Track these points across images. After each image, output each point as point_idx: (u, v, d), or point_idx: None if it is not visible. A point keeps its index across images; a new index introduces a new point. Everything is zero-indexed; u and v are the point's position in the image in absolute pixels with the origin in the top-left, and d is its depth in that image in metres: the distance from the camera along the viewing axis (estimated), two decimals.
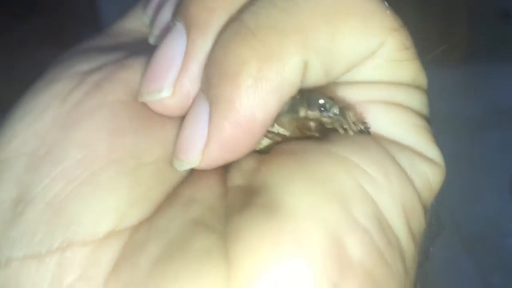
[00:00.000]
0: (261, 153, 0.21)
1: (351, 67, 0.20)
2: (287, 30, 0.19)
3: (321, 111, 0.20)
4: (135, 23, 0.26)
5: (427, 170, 0.20)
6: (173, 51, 0.20)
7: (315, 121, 0.20)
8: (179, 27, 0.20)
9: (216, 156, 0.20)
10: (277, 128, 0.21)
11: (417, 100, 0.21)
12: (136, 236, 0.19)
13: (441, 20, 1.87)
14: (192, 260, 0.18)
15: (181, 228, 0.19)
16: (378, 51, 0.20)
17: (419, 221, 0.20)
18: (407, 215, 0.19)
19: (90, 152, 0.20)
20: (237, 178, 0.20)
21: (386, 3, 0.20)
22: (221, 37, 0.20)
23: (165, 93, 0.20)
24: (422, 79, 0.22)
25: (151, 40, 0.24)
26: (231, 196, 0.20)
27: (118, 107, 0.21)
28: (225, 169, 0.21)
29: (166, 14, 0.23)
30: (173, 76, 0.20)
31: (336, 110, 0.20)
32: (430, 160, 0.21)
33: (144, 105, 0.21)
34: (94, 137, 0.20)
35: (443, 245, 1.34)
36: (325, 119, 0.20)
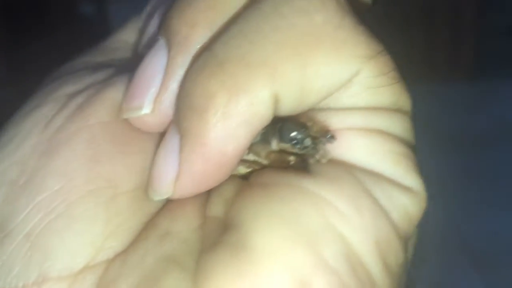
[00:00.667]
0: (243, 179, 0.21)
1: (324, 97, 0.20)
2: (256, 62, 0.18)
3: (292, 144, 0.19)
4: (132, 36, 0.25)
5: (405, 201, 0.19)
6: (154, 68, 0.20)
7: (291, 153, 0.20)
8: (161, 43, 0.20)
9: (188, 188, 0.20)
10: (253, 157, 0.20)
11: (398, 125, 0.20)
12: (110, 271, 0.19)
13: (449, 38, 1.88)
14: None
15: (153, 264, 0.19)
16: (353, 79, 0.19)
17: (395, 255, 0.19)
18: (381, 251, 0.19)
19: (68, 182, 0.20)
20: (216, 207, 0.20)
21: (363, 28, 0.20)
22: (191, 68, 0.19)
23: (145, 110, 0.20)
24: (404, 102, 0.21)
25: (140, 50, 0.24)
26: (208, 228, 0.20)
27: (98, 131, 0.21)
28: (207, 195, 0.21)
29: (155, 23, 0.23)
30: (153, 94, 0.20)
31: (308, 143, 0.19)
32: (408, 190, 0.20)
33: (125, 125, 0.21)
34: (72, 165, 0.20)
35: (452, 263, 1.33)
36: (297, 151, 0.20)
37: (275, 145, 0.20)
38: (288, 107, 0.19)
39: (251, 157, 0.21)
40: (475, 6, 1.84)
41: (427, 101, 1.81)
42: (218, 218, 0.20)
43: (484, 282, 1.28)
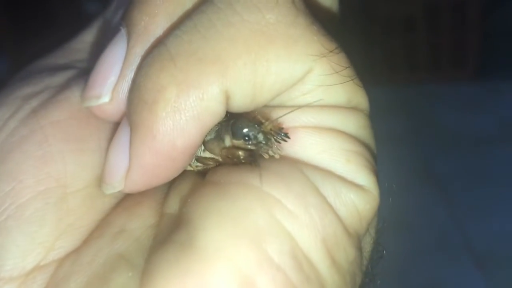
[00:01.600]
0: (201, 175, 0.21)
1: (277, 94, 0.20)
2: (208, 58, 0.19)
3: (245, 140, 0.20)
4: (94, 36, 0.25)
5: (354, 199, 0.19)
6: (113, 57, 0.20)
7: (242, 148, 0.20)
8: (122, 33, 0.20)
9: (138, 182, 0.20)
10: (208, 154, 0.21)
11: (352, 123, 0.20)
12: (61, 270, 0.20)
13: (453, 38, 1.87)
14: None
15: (103, 263, 0.19)
16: (306, 77, 0.19)
17: (344, 251, 0.19)
18: (328, 248, 0.19)
19: (18, 184, 0.20)
20: (172, 204, 0.20)
21: (316, 26, 0.20)
22: (143, 61, 0.20)
23: (104, 99, 0.20)
24: (359, 100, 0.21)
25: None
26: (161, 226, 0.20)
27: (50, 131, 0.21)
28: (167, 191, 0.21)
29: (117, 18, 0.23)
30: (112, 83, 0.20)
31: (260, 138, 0.19)
32: (359, 188, 0.20)
33: (80, 123, 0.21)
34: (22, 167, 0.20)
35: (455, 263, 1.33)
36: (250, 147, 0.20)
37: (228, 141, 0.20)
38: (240, 103, 0.19)
39: (207, 154, 0.21)
40: (479, 7, 1.84)
41: (431, 102, 1.81)
42: (172, 215, 0.20)
43: (486, 280, 1.28)
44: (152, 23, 0.20)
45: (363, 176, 0.20)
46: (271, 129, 0.20)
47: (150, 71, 0.19)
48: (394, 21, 1.88)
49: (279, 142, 0.20)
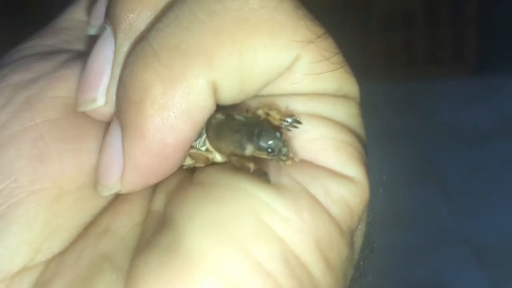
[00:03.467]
0: (191, 171, 0.20)
1: (266, 83, 0.19)
2: (192, 51, 0.18)
3: (268, 152, 0.19)
4: (83, 14, 0.24)
5: (345, 194, 0.19)
6: (103, 58, 0.20)
7: (254, 159, 0.19)
8: (108, 32, 0.20)
9: (135, 181, 0.19)
10: (213, 154, 0.20)
11: (342, 111, 0.20)
12: (47, 272, 0.19)
13: (452, 33, 1.87)
14: None
15: (88, 264, 0.19)
16: (294, 66, 0.19)
17: (337, 251, 0.19)
18: (322, 250, 0.18)
19: (12, 183, 0.19)
20: (159, 201, 0.20)
21: (303, 11, 0.19)
22: (128, 59, 0.19)
23: (99, 102, 0.20)
24: (349, 87, 0.20)
25: (90, 31, 0.23)
26: (147, 224, 0.19)
27: (46, 129, 0.20)
28: (155, 184, 0.20)
29: (103, 3, 0.22)
30: (105, 85, 0.20)
31: (284, 151, 0.19)
32: (348, 180, 0.19)
33: (76, 122, 0.21)
34: (16, 165, 0.20)
35: (455, 258, 1.33)
36: (271, 159, 0.19)
37: (249, 151, 0.19)
38: (229, 95, 0.19)
39: (211, 155, 0.20)
40: (478, 1, 1.84)
41: (430, 97, 1.81)
42: (158, 212, 0.19)
43: (486, 275, 1.28)
44: (137, 19, 0.19)
45: (353, 167, 0.19)
46: (281, 118, 0.19)
47: (134, 69, 0.18)
48: (393, 16, 1.87)
49: (290, 130, 0.19)
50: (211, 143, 0.20)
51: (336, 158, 0.19)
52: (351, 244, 0.19)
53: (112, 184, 0.19)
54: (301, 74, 0.19)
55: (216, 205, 0.18)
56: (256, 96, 0.20)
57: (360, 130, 0.20)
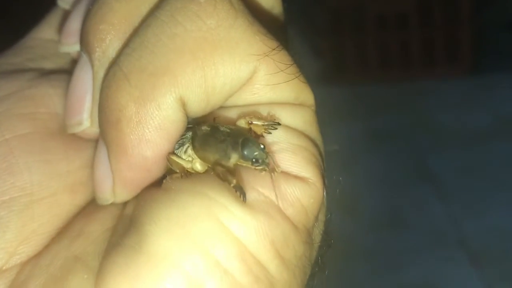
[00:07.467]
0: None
1: (229, 95, 0.21)
2: (158, 71, 0.20)
3: (253, 162, 0.20)
4: (47, 32, 0.26)
5: (300, 195, 0.21)
6: (83, 83, 0.22)
7: (237, 175, 0.21)
8: (84, 59, 0.22)
9: (125, 192, 0.21)
10: (193, 162, 0.21)
11: (300, 118, 0.22)
12: (22, 274, 0.21)
13: (447, 33, 1.88)
14: None
15: (61, 265, 0.20)
16: (253, 77, 0.21)
17: (293, 249, 0.20)
18: (277, 248, 0.20)
19: None
20: (131, 205, 0.21)
21: (257, 26, 0.21)
22: (103, 83, 0.21)
23: (85, 125, 0.22)
24: (306, 96, 0.22)
25: (62, 49, 0.24)
26: (117, 227, 0.21)
27: (15, 143, 0.22)
28: None
29: (73, 22, 0.24)
30: (88, 108, 0.22)
31: (267, 161, 0.20)
32: (303, 181, 0.21)
33: (46, 135, 0.22)
34: None
35: (450, 259, 1.33)
36: (255, 168, 0.21)
37: (234, 159, 0.21)
38: (196, 107, 0.21)
39: (189, 164, 0.22)
40: (473, 1, 1.84)
41: (425, 98, 1.81)
42: (128, 216, 0.21)
43: (480, 276, 1.28)
44: (108, 47, 0.21)
45: (308, 169, 0.21)
46: (264, 124, 0.21)
47: (109, 93, 0.20)
48: (387, 18, 1.88)
49: (270, 133, 0.21)
50: (196, 153, 0.22)
51: (292, 161, 0.21)
52: (307, 242, 0.21)
53: (107, 196, 0.21)
54: (260, 85, 0.21)
55: (179, 208, 0.20)
56: (221, 107, 0.21)
57: (316, 135, 0.22)
